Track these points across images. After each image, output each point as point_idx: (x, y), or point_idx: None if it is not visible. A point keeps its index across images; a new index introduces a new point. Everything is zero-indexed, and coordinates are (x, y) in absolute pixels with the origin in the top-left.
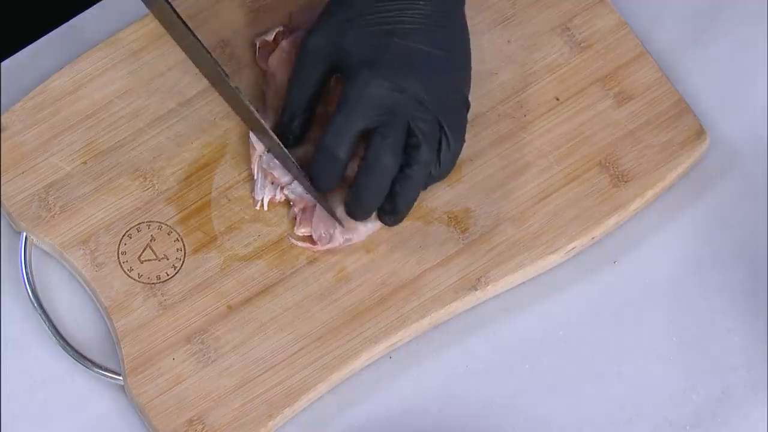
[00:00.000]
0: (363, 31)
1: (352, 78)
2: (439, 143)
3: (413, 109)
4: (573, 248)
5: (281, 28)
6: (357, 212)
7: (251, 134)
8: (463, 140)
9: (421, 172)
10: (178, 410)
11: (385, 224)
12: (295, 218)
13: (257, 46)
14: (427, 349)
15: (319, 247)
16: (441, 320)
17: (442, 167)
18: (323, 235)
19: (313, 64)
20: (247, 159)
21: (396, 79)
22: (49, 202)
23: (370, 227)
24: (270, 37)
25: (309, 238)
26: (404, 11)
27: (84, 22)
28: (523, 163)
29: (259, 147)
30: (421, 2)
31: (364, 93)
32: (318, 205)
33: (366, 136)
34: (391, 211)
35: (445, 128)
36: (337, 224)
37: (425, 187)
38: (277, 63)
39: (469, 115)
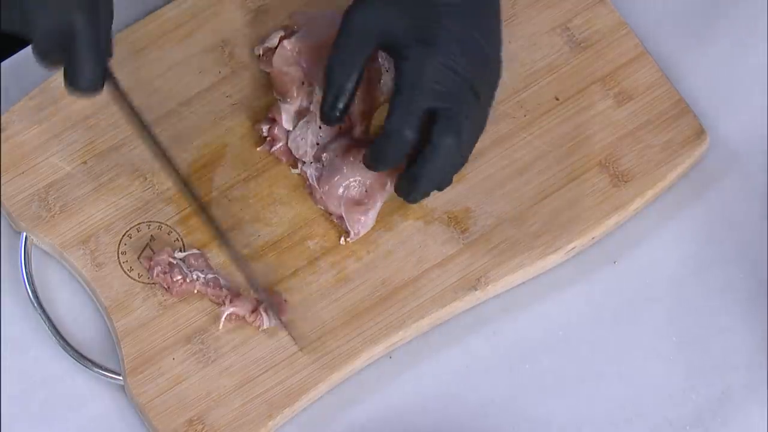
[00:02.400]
0: (411, 10)
1: (411, 57)
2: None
3: (466, 92)
4: (573, 248)
5: (283, 33)
6: (410, 194)
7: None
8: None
9: (465, 154)
10: (178, 410)
11: (405, 200)
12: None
13: (260, 53)
14: (427, 349)
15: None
16: (441, 320)
17: (464, 152)
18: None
19: (362, 41)
20: (247, 159)
21: (451, 61)
22: (49, 202)
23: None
24: (272, 43)
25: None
26: None
27: None
28: (523, 163)
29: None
30: None
31: (425, 72)
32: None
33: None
34: (407, 189)
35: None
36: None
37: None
38: (283, 61)
39: None
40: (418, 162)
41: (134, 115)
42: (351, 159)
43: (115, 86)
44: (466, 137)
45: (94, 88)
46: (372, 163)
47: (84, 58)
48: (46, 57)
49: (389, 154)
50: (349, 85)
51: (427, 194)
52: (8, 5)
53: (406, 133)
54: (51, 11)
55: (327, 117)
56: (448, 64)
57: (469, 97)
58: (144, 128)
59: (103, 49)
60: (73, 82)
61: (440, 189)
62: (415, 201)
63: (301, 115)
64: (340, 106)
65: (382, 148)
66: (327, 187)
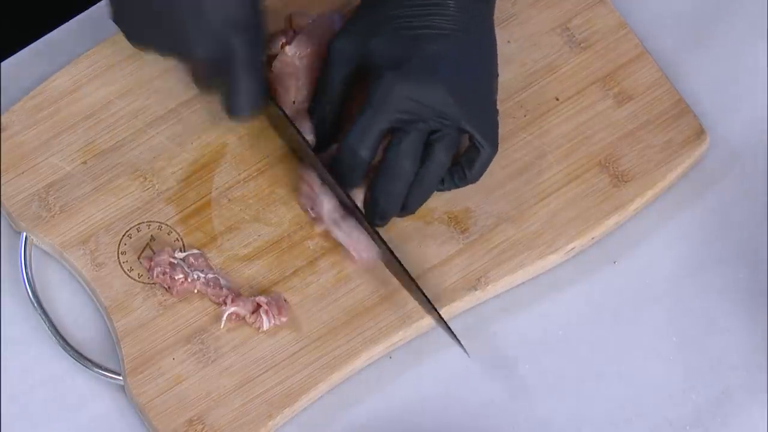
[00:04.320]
0: (391, 35)
1: (378, 79)
2: (476, 150)
3: (434, 115)
4: (573, 248)
5: (284, 38)
6: (374, 215)
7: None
8: (496, 145)
9: (432, 175)
10: (178, 410)
11: (371, 224)
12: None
13: (263, 58)
14: (427, 349)
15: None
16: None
17: (474, 172)
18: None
19: (340, 65)
20: (247, 159)
21: (420, 84)
22: (49, 202)
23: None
24: (275, 49)
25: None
26: (433, 16)
27: (84, 22)
28: (522, 163)
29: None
30: (450, 8)
31: (389, 95)
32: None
33: (387, 138)
34: (401, 209)
35: (475, 135)
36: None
37: (456, 187)
38: (282, 67)
39: None
40: (373, 180)
41: (294, 140)
42: None
43: (274, 107)
44: (428, 162)
45: (254, 110)
46: (338, 181)
47: (244, 81)
48: (205, 82)
49: (345, 171)
50: (331, 105)
51: (387, 217)
52: (167, 29)
53: (360, 151)
54: (210, 35)
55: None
56: (416, 88)
57: (436, 123)
58: (308, 154)
59: (261, 70)
60: (234, 106)
61: (408, 211)
62: (379, 224)
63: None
64: (325, 125)
65: (339, 165)
66: (354, 243)
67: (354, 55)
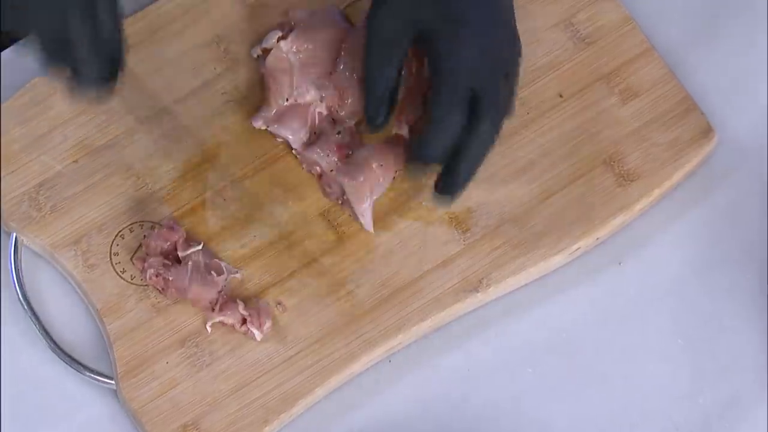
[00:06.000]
0: (436, 4)
1: (444, 41)
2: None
3: (499, 72)
4: (577, 249)
5: (280, 33)
6: (458, 191)
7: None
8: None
9: (484, 143)
10: (171, 415)
11: (439, 204)
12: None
13: (258, 54)
14: (427, 352)
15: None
16: (442, 322)
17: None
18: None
19: (394, 44)
20: (242, 158)
21: (484, 40)
22: (40, 202)
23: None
24: (270, 43)
25: None
26: None
27: None
28: (525, 161)
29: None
30: None
31: (462, 54)
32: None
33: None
34: (451, 183)
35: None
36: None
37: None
38: (276, 62)
39: None
40: (462, 150)
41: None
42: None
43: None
44: (498, 121)
45: (101, 90)
46: (421, 156)
47: (85, 57)
48: (50, 60)
49: (440, 142)
50: (391, 87)
51: (455, 192)
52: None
53: (455, 117)
54: (43, 6)
55: (373, 124)
56: (481, 44)
57: (501, 76)
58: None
59: (108, 46)
60: (78, 85)
61: (458, 184)
62: (454, 200)
63: (279, 117)
64: (385, 107)
65: (432, 137)
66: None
67: (404, 22)
